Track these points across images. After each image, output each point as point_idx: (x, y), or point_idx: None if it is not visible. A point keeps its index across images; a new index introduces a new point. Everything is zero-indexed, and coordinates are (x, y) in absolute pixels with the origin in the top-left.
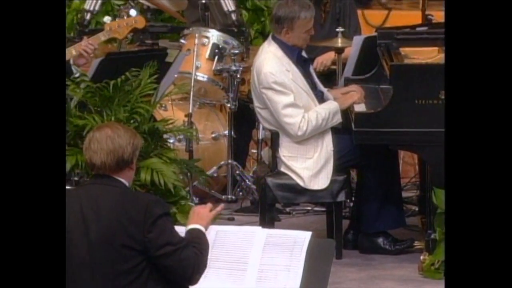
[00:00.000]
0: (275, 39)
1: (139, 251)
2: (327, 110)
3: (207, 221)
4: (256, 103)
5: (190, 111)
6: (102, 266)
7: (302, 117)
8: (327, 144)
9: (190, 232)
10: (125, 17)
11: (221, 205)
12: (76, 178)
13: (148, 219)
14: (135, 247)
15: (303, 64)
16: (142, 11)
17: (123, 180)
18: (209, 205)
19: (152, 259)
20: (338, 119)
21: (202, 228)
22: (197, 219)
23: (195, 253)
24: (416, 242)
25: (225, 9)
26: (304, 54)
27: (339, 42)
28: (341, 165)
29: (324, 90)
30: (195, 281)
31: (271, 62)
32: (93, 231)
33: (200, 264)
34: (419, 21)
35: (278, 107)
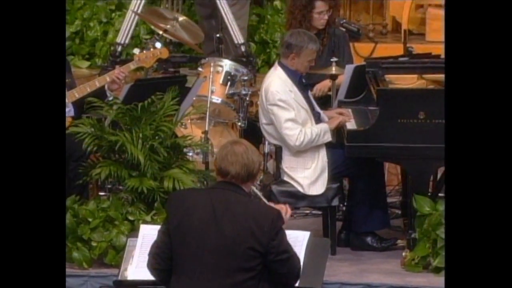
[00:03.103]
0: (280, 64)
1: (261, 254)
2: (320, 129)
3: (285, 224)
4: (263, 120)
5: (206, 128)
6: (228, 261)
7: (300, 130)
8: (322, 156)
9: None
10: (151, 49)
11: (289, 209)
12: (109, 186)
13: (273, 229)
14: (259, 249)
15: (303, 87)
16: (165, 43)
17: (246, 190)
18: (282, 206)
19: (268, 262)
20: (328, 137)
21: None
22: None
23: (298, 258)
24: (399, 240)
25: (236, 42)
26: (304, 80)
27: (333, 70)
28: (335, 175)
29: (321, 112)
30: (297, 282)
31: (277, 83)
32: (225, 229)
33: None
34: (401, 52)
35: (280, 121)
